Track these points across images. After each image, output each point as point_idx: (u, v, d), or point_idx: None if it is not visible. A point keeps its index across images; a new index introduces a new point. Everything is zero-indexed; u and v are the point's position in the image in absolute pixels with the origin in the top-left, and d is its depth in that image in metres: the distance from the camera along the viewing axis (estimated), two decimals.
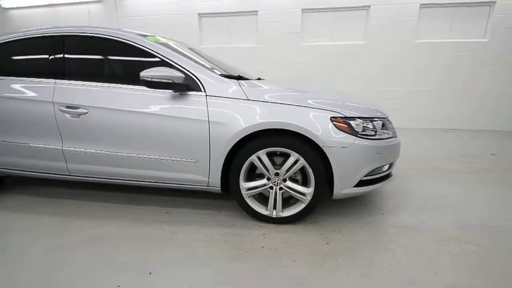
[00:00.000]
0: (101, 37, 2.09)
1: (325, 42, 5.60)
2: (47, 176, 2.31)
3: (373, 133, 1.94)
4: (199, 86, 1.96)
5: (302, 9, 5.45)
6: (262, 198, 2.10)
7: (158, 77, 1.84)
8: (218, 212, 2.25)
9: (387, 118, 2.11)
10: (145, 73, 1.84)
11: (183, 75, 1.90)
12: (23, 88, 2.16)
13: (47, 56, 2.18)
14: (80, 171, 2.20)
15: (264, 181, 1.99)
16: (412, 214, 2.22)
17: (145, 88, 1.98)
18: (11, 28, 6.52)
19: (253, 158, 1.92)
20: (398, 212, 2.25)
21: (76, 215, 2.21)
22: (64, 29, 2.17)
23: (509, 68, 5.10)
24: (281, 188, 1.99)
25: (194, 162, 2.00)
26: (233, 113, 1.89)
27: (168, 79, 1.84)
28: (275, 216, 2.02)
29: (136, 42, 2.05)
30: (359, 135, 1.87)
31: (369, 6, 5.25)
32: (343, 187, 1.92)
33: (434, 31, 5.23)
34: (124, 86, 2.03)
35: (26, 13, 6.54)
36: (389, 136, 2.03)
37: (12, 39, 2.25)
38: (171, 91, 1.96)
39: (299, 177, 2.01)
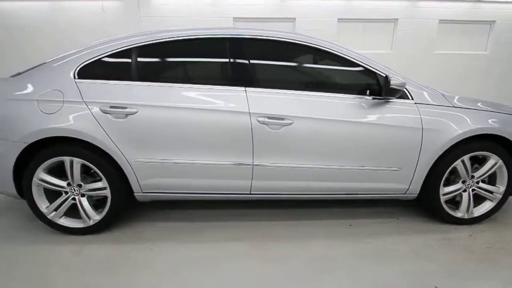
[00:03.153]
0: (296, 43, 1.95)
1: (356, 50, 5.92)
2: (220, 197, 2.04)
3: None
4: (407, 94, 1.98)
5: (338, 19, 5.69)
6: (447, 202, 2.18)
7: (397, 85, 1.80)
8: (397, 219, 2.25)
9: None
10: (394, 82, 1.79)
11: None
12: (202, 96, 1.86)
13: (226, 61, 1.93)
14: (266, 188, 1.99)
15: (460, 184, 2.08)
16: None
17: (349, 95, 1.95)
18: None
19: (458, 162, 2.00)
20: None
21: (254, 239, 2.00)
22: (250, 31, 1.95)
23: (506, 75, 6.09)
24: (473, 190, 2.10)
25: (397, 170, 1.99)
26: (445, 120, 1.95)
27: (401, 87, 1.82)
28: (467, 217, 2.12)
29: (337, 50, 2.00)
30: None
31: (397, 19, 5.76)
32: None
33: (449, 43, 5.97)
34: (329, 94, 1.94)
35: (20, 6, 5.46)
36: None
37: (173, 39, 1.91)
38: (371, 98, 1.94)
39: (486, 178, 2.15)
